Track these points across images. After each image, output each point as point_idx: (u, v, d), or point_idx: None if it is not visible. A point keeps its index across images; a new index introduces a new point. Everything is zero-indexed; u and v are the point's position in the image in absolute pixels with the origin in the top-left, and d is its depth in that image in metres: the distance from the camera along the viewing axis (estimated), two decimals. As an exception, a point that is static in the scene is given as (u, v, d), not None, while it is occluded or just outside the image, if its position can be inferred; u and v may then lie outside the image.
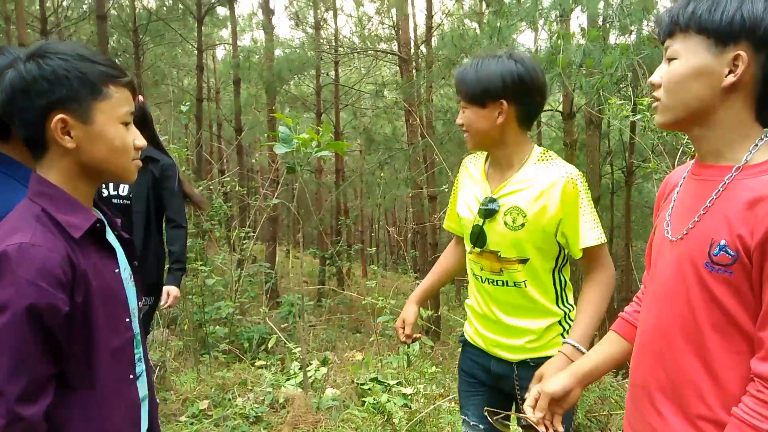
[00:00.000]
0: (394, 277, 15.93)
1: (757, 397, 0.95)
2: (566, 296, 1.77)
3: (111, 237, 1.21)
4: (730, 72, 1.01)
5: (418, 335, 2.10)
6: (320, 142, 3.09)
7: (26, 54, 1.06)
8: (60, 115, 1.05)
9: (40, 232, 1.03)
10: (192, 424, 3.24)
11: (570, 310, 1.77)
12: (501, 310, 1.77)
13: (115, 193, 2.81)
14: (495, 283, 1.75)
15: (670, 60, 1.09)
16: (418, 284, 2.47)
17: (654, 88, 1.12)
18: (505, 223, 1.68)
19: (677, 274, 1.09)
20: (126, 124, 1.13)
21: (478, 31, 9.14)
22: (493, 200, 1.70)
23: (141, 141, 1.16)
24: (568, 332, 1.72)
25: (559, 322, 1.74)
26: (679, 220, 1.13)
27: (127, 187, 2.82)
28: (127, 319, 1.17)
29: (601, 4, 6.89)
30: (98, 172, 1.14)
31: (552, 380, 1.36)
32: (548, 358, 1.68)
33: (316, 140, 3.12)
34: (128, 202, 2.82)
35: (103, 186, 2.73)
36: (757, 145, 1.04)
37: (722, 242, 1.00)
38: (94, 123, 1.08)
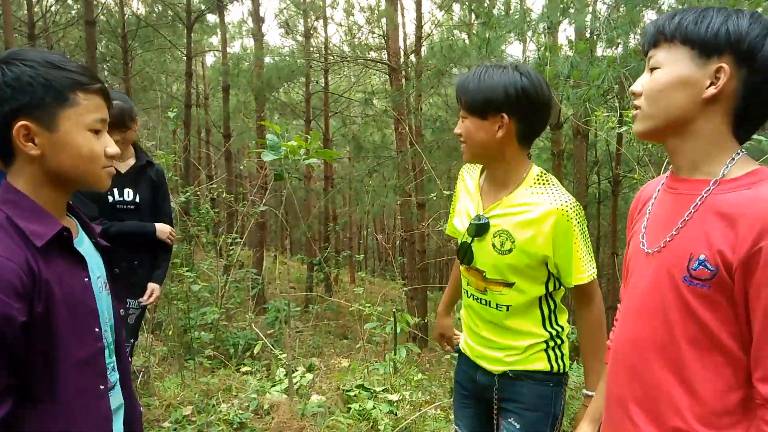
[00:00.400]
0: (383, 284, 15.94)
1: None
2: (555, 319, 1.71)
3: (86, 245, 1.19)
4: (711, 84, 1.02)
5: (456, 336, 2.05)
6: (308, 149, 3.10)
7: None
8: (23, 122, 1.04)
9: (4, 241, 1.02)
10: (175, 430, 3.22)
11: (560, 331, 1.72)
12: (483, 327, 1.75)
13: (120, 198, 2.80)
14: (479, 300, 1.73)
15: (652, 69, 1.10)
16: (406, 291, 2.51)
17: (635, 97, 1.13)
18: (493, 245, 1.63)
19: (654, 287, 1.10)
20: (96, 132, 1.12)
21: (467, 41, 9.23)
22: (483, 219, 1.65)
23: (113, 149, 1.14)
24: (554, 349, 1.70)
25: (545, 341, 1.70)
26: (655, 233, 1.13)
27: (131, 191, 2.81)
28: (97, 329, 1.14)
29: (589, 17, 6.99)
30: (66, 180, 1.12)
31: None
32: (529, 371, 1.69)
33: (305, 148, 3.13)
34: (133, 207, 2.82)
35: (108, 192, 2.71)
36: (733, 159, 1.04)
37: (701, 257, 1.01)
38: (59, 130, 1.07)
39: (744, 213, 0.97)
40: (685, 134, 1.08)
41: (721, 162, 1.05)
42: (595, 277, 1.60)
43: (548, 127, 9.72)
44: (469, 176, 1.81)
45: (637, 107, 1.13)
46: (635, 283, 1.16)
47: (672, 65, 1.06)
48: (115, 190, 2.77)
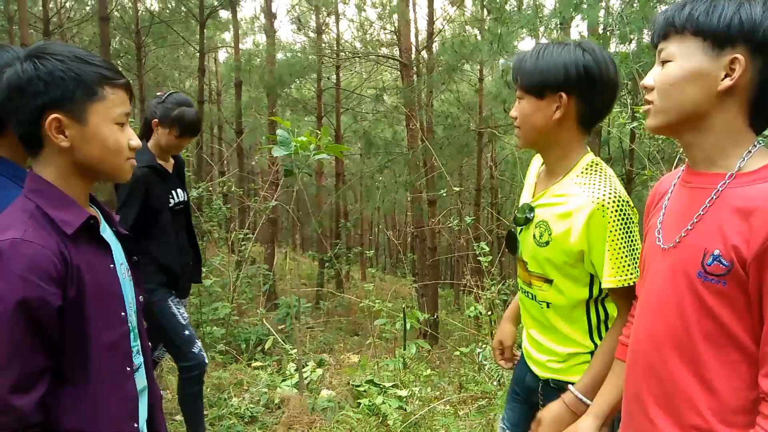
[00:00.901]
0: (393, 281, 15.96)
1: None
2: (604, 330, 1.54)
3: (107, 233, 1.23)
4: (726, 76, 1.00)
5: (516, 355, 1.86)
6: (319, 145, 3.12)
7: (24, 54, 1.09)
8: (54, 115, 1.08)
9: (32, 229, 1.06)
10: (188, 423, 3.25)
11: None
12: (531, 324, 1.65)
13: (176, 200, 2.79)
14: (526, 294, 1.63)
15: (664, 63, 1.07)
16: (416, 287, 2.49)
17: (647, 92, 1.11)
18: (534, 236, 1.53)
19: (669, 283, 1.08)
20: (121, 125, 1.15)
21: (479, 37, 9.21)
22: (530, 209, 1.56)
23: (136, 141, 1.18)
24: None
25: (590, 353, 1.53)
26: (671, 228, 1.11)
27: (180, 191, 2.83)
28: (123, 313, 1.19)
29: (602, 13, 6.94)
30: (92, 171, 1.16)
31: None
32: (566, 382, 1.55)
33: (315, 143, 3.15)
34: (183, 206, 2.84)
35: (169, 196, 2.75)
36: (750, 152, 1.02)
37: (716, 252, 0.98)
38: (89, 123, 1.11)
39: (758, 206, 0.95)
40: (699, 128, 1.05)
41: (738, 155, 1.03)
42: (630, 284, 1.38)
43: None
44: (535, 164, 1.69)
45: (649, 102, 1.10)
46: (651, 279, 1.15)
47: (684, 58, 1.03)
48: (172, 193, 2.77)
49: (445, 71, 8.71)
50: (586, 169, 1.48)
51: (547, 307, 1.56)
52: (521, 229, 1.60)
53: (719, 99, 1.01)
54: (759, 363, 0.97)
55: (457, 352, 4.24)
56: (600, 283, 1.45)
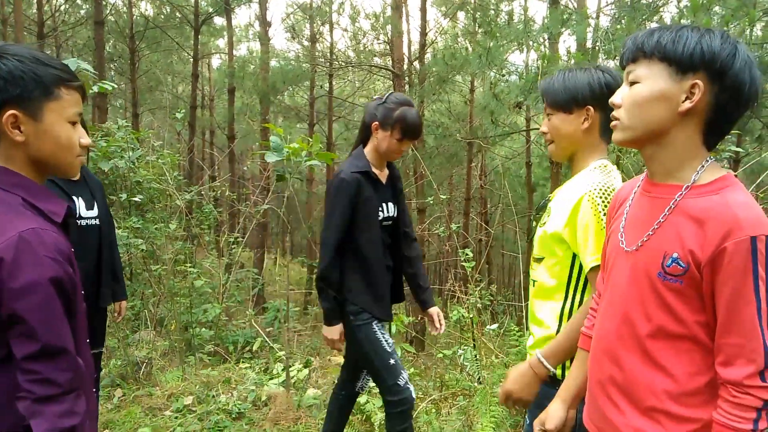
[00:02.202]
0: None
1: (733, 401, 1.07)
2: (577, 308, 1.65)
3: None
4: (686, 98, 1.12)
5: None
6: (310, 152, 3.24)
7: None
8: (12, 111, 1.16)
9: (38, 219, 1.17)
10: (176, 418, 3.35)
11: None
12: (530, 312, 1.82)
13: (387, 215, 2.58)
14: (531, 281, 1.79)
15: (632, 83, 1.19)
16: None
17: (615, 109, 1.23)
18: (540, 222, 1.74)
19: (632, 282, 1.21)
20: (73, 123, 1.25)
21: (470, 50, 9.40)
22: (548, 200, 1.77)
23: (86, 139, 1.29)
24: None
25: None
26: (633, 232, 1.24)
27: (392, 205, 2.60)
28: (82, 292, 1.31)
29: (590, 29, 7.14)
30: (44, 166, 1.24)
31: (550, 417, 1.47)
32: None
33: (306, 150, 3.27)
34: (390, 222, 2.61)
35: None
36: (703, 166, 1.15)
37: (674, 255, 1.12)
38: (44, 121, 1.19)
39: (711, 216, 1.08)
40: (660, 143, 1.18)
41: (693, 168, 1.16)
42: (596, 266, 1.53)
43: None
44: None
45: (616, 118, 1.23)
46: (615, 278, 1.27)
47: (651, 80, 1.15)
48: (383, 206, 2.55)
49: (436, 82, 8.88)
50: (595, 168, 1.67)
51: (533, 285, 1.75)
52: (537, 218, 1.80)
53: (680, 118, 1.14)
54: (714, 353, 1.11)
55: (440, 355, 4.35)
56: (580, 268, 1.62)
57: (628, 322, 1.21)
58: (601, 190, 1.57)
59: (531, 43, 7.43)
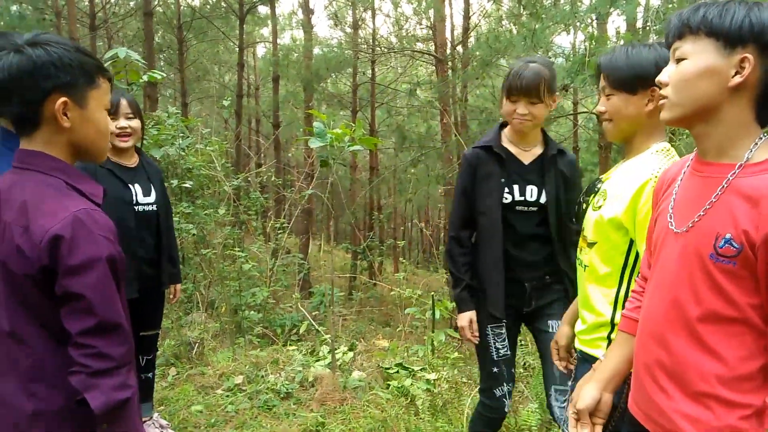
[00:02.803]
0: (426, 275, 16.08)
1: None
2: (623, 296, 1.60)
3: None
4: (736, 73, 1.10)
5: (572, 355, 1.90)
6: (353, 137, 3.27)
7: (27, 41, 1.19)
8: (63, 98, 1.20)
9: (85, 200, 1.22)
10: (227, 396, 3.47)
11: None
12: (579, 296, 1.76)
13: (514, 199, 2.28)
14: (579, 263, 1.75)
15: (678, 60, 1.17)
16: (447, 279, 2.53)
17: (662, 87, 1.21)
18: (593, 204, 1.67)
19: (682, 264, 1.18)
20: (107, 111, 1.31)
21: (515, 32, 9.23)
22: (599, 180, 1.71)
23: (113, 126, 1.37)
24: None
25: (611, 324, 1.62)
26: (683, 213, 1.21)
27: (519, 187, 2.25)
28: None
29: (640, 9, 6.90)
30: (82, 150, 1.29)
31: (582, 397, 1.43)
32: (589, 356, 1.65)
33: (349, 135, 3.30)
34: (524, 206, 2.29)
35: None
36: (756, 144, 1.12)
37: (727, 236, 1.09)
38: (88, 107, 1.25)
39: (765, 195, 1.05)
40: (711, 121, 1.15)
41: (745, 146, 1.13)
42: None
43: (596, 119, 9.62)
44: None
45: (663, 96, 1.21)
46: (664, 260, 1.24)
47: (698, 56, 1.13)
48: (512, 186, 2.27)
49: (479, 66, 8.75)
50: (657, 152, 1.60)
51: (584, 270, 1.69)
52: (587, 200, 1.73)
53: (729, 94, 1.12)
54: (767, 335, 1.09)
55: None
56: (636, 255, 1.57)
57: (677, 305, 1.18)
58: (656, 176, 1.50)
59: (578, 23, 7.25)
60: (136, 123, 2.60)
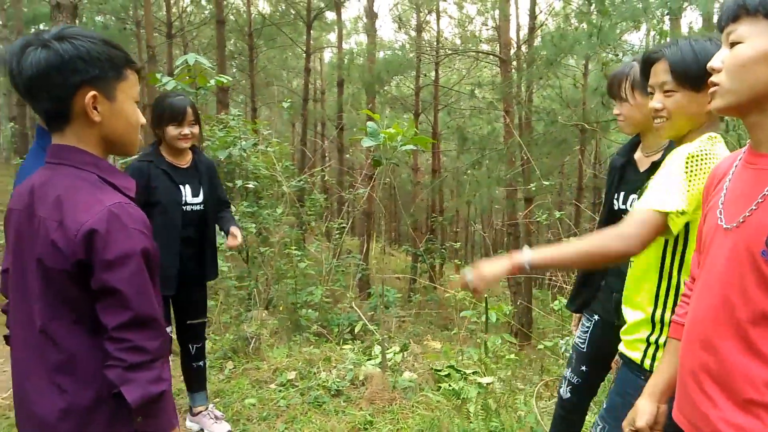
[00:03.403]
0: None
1: None
2: (672, 301, 1.55)
3: None
4: None
5: None
6: (405, 137, 3.27)
7: (54, 36, 1.17)
8: (93, 92, 1.19)
9: (119, 194, 1.21)
10: (280, 391, 3.54)
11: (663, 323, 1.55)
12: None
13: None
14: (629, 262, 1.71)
15: (733, 45, 1.08)
16: (508, 285, 2.51)
17: (714, 73, 1.13)
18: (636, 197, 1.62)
19: (732, 262, 1.10)
20: (137, 103, 1.30)
21: (584, 29, 8.96)
22: (650, 174, 1.67)
23: (143, 119, 1.32)
24: (656, 344, 1.57)
25: (651, 325, 1.58)
26: (734, 208, 1.13)
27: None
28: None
29: (717, 4, 6.55)
30: (113, 144, 1.28)
31: (640, 413, 1.37)
32: (628, 358, 1.62)
33: (402, 135, 3.31)
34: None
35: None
36: None
37: None
38: (117, 100, 1.23)
39: None
40: (766, 109, 1.07)
41: None
42: (657, 210, 1.41)
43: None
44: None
45: (715, 84, 1.13)
46: (713, 259, 1.17)
47: (756, 39, 1.05)
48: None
49: (544, 65, 8.55)
50: (701, 139, 1.52)
51: (630, 266, 1.65)
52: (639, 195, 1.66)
53: None
54: None
55: (541, 346, 4.24)
56: (675, 244, 1.52)
57: (726, 305, 1.10)
58: (699, 151, 1.42)
59: (649, 19, 6.96)
60: (196, 129, 2.83)
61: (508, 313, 5.05)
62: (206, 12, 16.65)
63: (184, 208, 2.82)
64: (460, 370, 3.83)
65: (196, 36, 16.93)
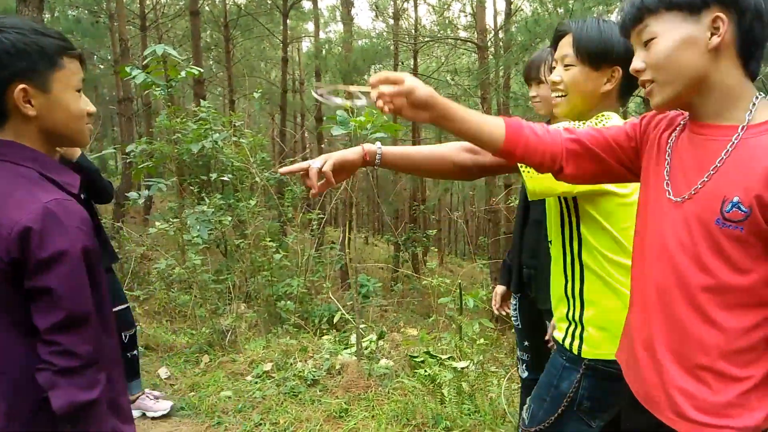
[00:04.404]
0: (470, 267, 15.95)
1: None
2: (579, 287, 1.54)
3: None
4: (713, 35, 1.07)
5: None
6: (374, 124, 3.25)
7: None
8: (21, 86, 1.14)
9: (58, 191, 1.16)
10: (256, 383, 3.54)
11: (581, 313, 1.54)
12: None
13: None
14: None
15: (647, 43, 1.13)
16: (486, 269, 2.57)
17: (639, 74, 1.16)
18: None
19: (683, 233, 1.12)
20: (78, 91, 1.23)
21: (560, 13, 8.98)
22: None
23: (92, 107, 1.26)
24: (572, 329, 1.56)
25: (567, 305, 1.58)
26: (683, 180, 1.15)
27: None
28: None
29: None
30: (57, 137, 1.23)
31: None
32: (556, 341, 1.62)
33: (371, 123, 3.29)
34: None
35: None
36: (754, 104, 1.09)
37: (735, 199, 1.04)
38: (52, 91, 1.18)
39: None
40: (703, 89, 1.11)
41: (743, 107, 1.09)
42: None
43: (642, 102, 9.27)
44: None
45: (649, 81, 1.15)
46: (658, 231, 1.18)
47: (669, 31, 1.10)
48: None
49: (519, 51, 8.57)
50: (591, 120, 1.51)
51: (550, 243, 1.69)
52: None
53: (712, 57, 1.08)
54: None
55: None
56: (570, 221, 1.54)
57: (679, 276, 1.13)
58: (579, 123, 1.44)
59: (621, 2, 7.00)
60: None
61: (485, 298, 5.08)
62: (181, 3, 16.41)
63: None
64: (436, 356, 3.85)
65: (170, 28, 16.68)
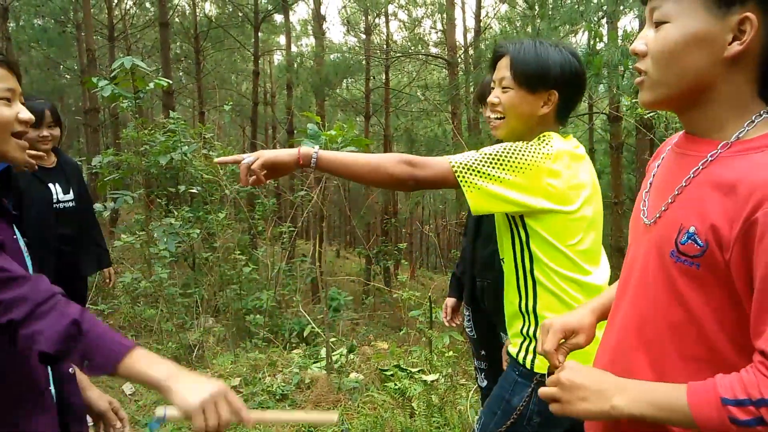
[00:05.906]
0: (442, 280, 16.00)
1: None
2: (533, 302, 1.53)
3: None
4: (734, 39, 0.85)
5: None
6: (344, 138, 3.28)
7: None
8: None
9: None
10: (224, 398, 3.49)
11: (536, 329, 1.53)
12: None
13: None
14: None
15: (658, 24, 0.91)
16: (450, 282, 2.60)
17: (638, 58, 0.95)
18: None
19: (645, 263, 0.97)
20: (6, 100, 1.14)
21: (528, 31, 9.17)
22: None
23: (26, 114, 1.16)
24: (526, 343, 1.56)
25: (522, 321, 1.57)
26: (656, 201, 0.99)
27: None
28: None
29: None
30: None
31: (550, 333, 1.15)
32: (510, 355, 1.61)
33: (342, 137, 3.31)
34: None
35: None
36: (753, 120, 0.87)
37: (691, 229, 0.86)
38: None
39: (743, 179, 0.81)
40: (701, 101, 0.91)
41: (740, 126, 0.88)
42: (452, 166, 1.43)
43: (607, 120, 9.51)
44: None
45: (641, 71, 0.94)
46: (632, 257, 1.04)
47: (684, 19, 0.88)
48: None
49: (487, 68, 8.70)
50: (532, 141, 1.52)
51: (503, 262, 1.68)
52: None
53: (726, 67, 0.87)
54: (752, 336, 0.81)
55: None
56: (519, 238, 1.53)
57: (636, 314, 0.98)
58: (516, 143, 1.44)
59: (586, 23, 7.18)
60: (56, 131, 2.87)
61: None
62: (150, 14, 16.25)
63: (57, 206, 2.91)
64: (406, 369, 3.86)
65: (139, 38, 16.48)
